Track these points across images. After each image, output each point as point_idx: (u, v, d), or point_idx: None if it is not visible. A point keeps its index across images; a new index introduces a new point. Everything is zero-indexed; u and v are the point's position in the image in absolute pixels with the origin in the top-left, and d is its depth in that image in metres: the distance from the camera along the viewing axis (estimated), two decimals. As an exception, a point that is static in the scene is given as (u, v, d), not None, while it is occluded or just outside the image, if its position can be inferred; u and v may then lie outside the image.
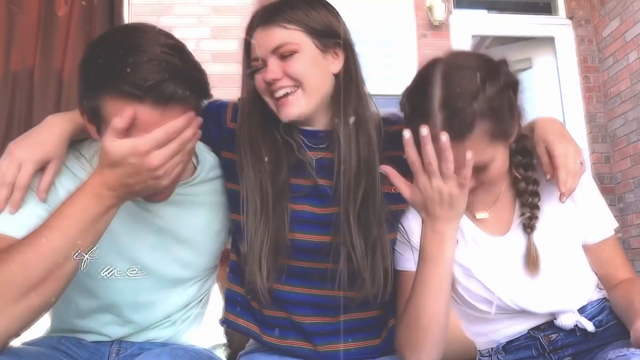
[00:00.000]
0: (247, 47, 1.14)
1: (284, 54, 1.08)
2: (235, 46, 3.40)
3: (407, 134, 0.93)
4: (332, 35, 1.13)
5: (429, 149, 0.91)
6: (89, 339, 1.10)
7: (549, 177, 1.06)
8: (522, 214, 1.11)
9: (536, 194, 1.10)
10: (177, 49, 0.94)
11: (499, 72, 0.99)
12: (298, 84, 1.09)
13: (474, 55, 1.06)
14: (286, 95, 1.09)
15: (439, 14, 4.02)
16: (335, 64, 1.14)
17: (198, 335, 1.22)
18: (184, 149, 0.92)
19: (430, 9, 4.06)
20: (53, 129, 1.03)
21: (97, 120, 0.93)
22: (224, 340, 1.32)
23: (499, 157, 1.02)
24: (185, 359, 1.01)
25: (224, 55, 3.30)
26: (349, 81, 1.15)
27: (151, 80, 0.87)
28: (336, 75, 1.15)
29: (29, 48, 2.07)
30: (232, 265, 1.22)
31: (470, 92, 0.94)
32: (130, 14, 2.19)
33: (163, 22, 3.38)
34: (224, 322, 1.20)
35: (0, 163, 0.97)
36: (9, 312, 0.83)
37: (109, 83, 0.88)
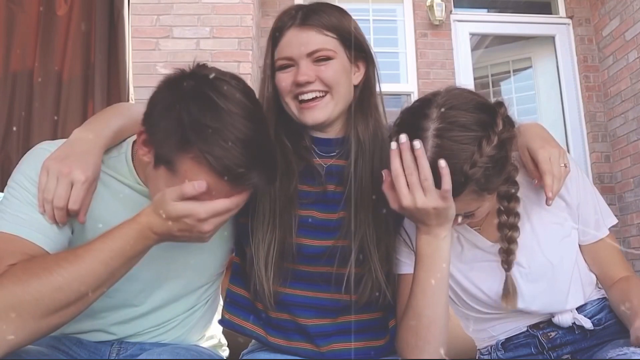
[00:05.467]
0: (274, 44, 1.13)
1: (319, 59, 1.09)
2: (235, 45, 3.40)
3: (394, 145, 0.94)
4: (358, 48, 1.14)
5: (408, 157, 0.92)
6: (90, 339, 1.10)
7: (536, 182, 1.07)
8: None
9: (515, 227, 1.07)
10: (263, 122, 0.97)
11: (495, 128, 0.94)
12: (328, 89, 1.10)
13: (469, 103, 0.97)
14: (314, 99, 1.10)
15: (438, 13, 4.02)
16: (357, 75, 1.16)
17: (200, 335, 1.22)
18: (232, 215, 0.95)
19: (430, 8, 4.06)
20: (93, 148, 1.01)
21: (163, 158, 0.92)
22: (225, 340, 1.32)
23: (486, 204, 1.02)
24: (186, 357, 1.01)
25: (223, 54, 3.30)
26: (369, 93, 1.17)
27: (240, 169, 0.88)
28: (355, 86, 1.16)
29: (28, 48, 2.06)
30: (235, 267, 1.22)
31: (463, 158, 0.92)
32: (131, 14, 2.18)
33: (163, 22, 3.38)
34: (225, 322, 1.20)
35: (48, 182, 0.96)
36: (29, 328, 0.84)
37: (196, 148, 0.88)
